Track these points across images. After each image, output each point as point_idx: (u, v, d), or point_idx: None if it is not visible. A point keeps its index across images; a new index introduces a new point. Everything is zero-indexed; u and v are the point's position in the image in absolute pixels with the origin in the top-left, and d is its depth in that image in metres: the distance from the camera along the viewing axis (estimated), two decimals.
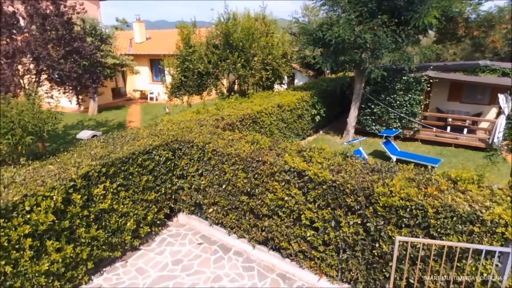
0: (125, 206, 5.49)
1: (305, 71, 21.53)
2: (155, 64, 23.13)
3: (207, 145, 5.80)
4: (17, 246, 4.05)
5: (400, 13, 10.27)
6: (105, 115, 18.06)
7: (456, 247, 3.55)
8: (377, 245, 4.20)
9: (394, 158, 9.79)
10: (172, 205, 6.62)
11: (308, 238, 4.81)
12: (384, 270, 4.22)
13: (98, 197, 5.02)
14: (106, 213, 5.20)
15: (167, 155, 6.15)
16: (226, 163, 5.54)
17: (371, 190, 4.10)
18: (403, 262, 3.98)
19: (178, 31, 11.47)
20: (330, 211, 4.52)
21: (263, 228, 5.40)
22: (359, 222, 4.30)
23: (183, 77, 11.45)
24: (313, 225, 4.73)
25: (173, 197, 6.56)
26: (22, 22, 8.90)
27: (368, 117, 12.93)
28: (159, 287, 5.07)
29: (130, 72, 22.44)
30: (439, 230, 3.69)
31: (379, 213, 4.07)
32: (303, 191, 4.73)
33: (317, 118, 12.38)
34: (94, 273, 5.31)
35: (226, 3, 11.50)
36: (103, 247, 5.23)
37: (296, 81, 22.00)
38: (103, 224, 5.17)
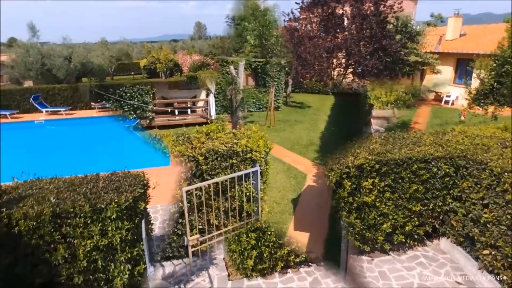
0: (387, 207, 5.45)
1: None
2: (462, 64, 20.35)
3: (506, 174, 4.55)
4: None
5: None
6: None
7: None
8: None
9: None
10: (437, 226, 5.86)
11: None
12: None
13: (364, 190, 5.27)
14: (367, 207, 5.39)
15: (447, 170, 5.41)
16: None
17: None
18: None
19: (505, 26, 9.33)
20: None
21: None
22: None
23: (496, 83, 9.38)
24: None
25: (440, 217, 5.78)
26: (345, 22, 10.38)
27: None
28: None
29: (430, 71, 21.08)
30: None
31: None
32: None
33: None
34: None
35: None
36: (356, 236, 5.50)
37: None
38: (362, 215, 5.41)
